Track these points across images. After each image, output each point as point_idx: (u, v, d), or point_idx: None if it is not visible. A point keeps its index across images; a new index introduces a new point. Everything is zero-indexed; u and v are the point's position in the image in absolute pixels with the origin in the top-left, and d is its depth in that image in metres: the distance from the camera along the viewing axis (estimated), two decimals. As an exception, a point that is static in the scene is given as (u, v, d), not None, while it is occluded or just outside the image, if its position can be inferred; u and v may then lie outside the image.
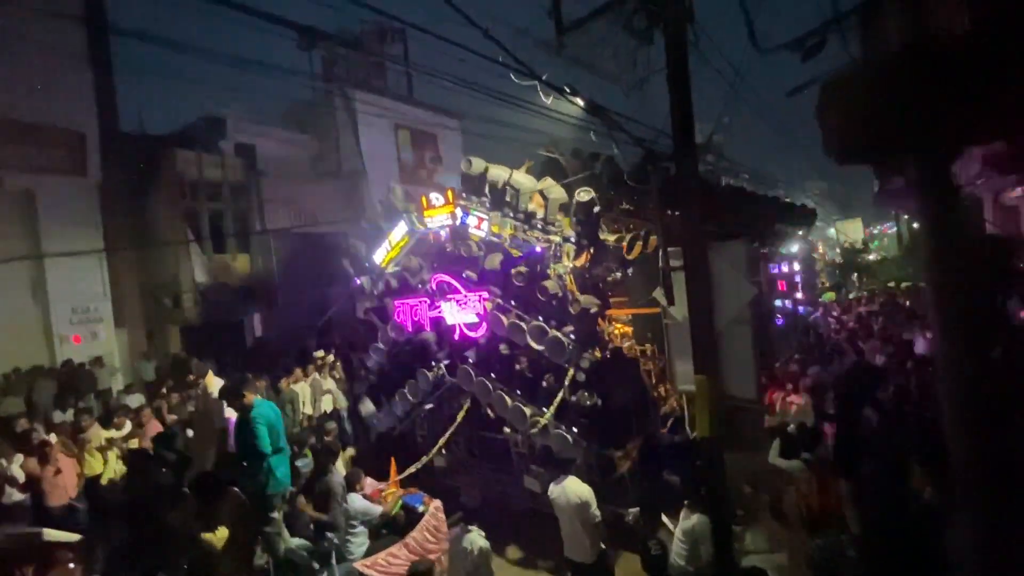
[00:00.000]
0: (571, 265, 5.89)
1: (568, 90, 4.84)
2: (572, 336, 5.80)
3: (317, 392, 8.66)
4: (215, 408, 5.14)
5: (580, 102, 5.04)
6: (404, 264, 7.43)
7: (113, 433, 6.26)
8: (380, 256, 7.74)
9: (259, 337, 15.83)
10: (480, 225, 6.52)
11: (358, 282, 8.08)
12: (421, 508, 5.79)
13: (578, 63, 5.04)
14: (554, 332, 5.88)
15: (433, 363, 7.17)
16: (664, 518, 5.40)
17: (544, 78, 4.71)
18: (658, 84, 4.74)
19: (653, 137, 5.52)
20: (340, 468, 5.60)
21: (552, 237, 5.86)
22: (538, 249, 6.03)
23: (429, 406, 7.37)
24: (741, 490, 6.05)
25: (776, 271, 9.50)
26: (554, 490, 5.00)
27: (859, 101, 2.46)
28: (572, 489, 4.89)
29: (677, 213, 5.06)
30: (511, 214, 6.23)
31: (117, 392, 9.08)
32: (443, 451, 7.15)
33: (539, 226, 6.01)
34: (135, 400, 7.99)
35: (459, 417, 6.79)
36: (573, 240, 5.74)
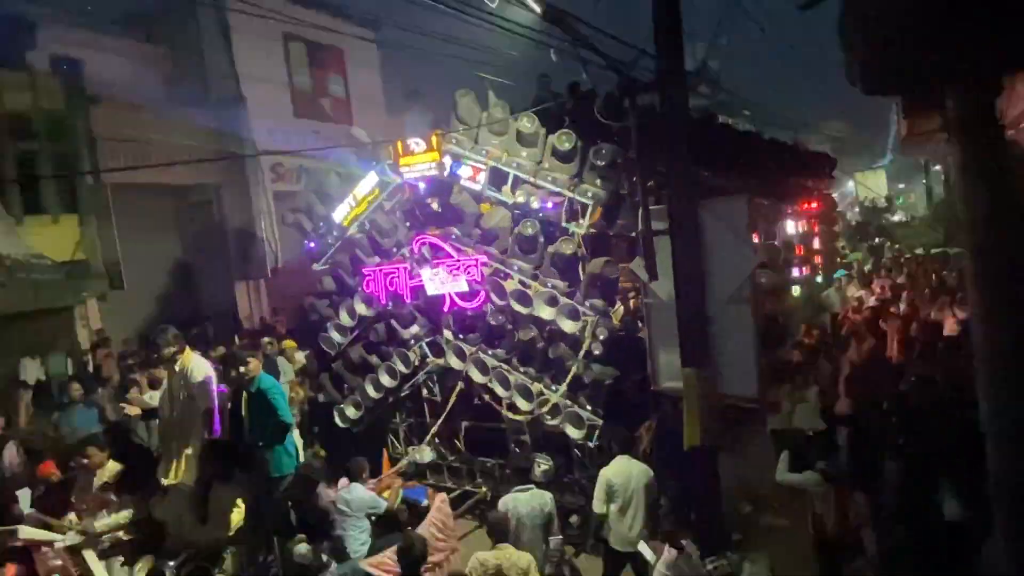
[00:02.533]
0: (587, 224, 7.47)
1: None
2: (588, 304, 7.43)
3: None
4: (200, 390, 6.32)
5: (536, 7, 5.65)
6: (374, 223, 8.73)
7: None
8: (342, 213, 9.02)
9: (99, 330, 16.33)
10: (476, 176, 7.98)
11: (311, 246, 9.30)
12: (425, 503, 7.27)
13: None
14: (566, 299, 7.48)
15: (412, 340, 8.60)
16: (642, 546, 6.07)
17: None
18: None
19: (631, 59, 6.15)
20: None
21: (568, 192, 7.39)
22: (550, 205, 7.58)
23: (406, 391, 8.82)
24: (739, 509, 7.09)
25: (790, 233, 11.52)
26: (509, 501, 6.16)
27: (893, 13, 2.54)
28: (537, 500, 6.21)
29: (660, 161, 5.88)
30: (516, 163, 7.70)
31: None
32: (428, 444, 8.66)
33: (550, 178, 7.53)
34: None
35: (451, 400, 8.30)
36: (591, 195, 7.31)
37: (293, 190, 19.43)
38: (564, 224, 7.55)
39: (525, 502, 6.30)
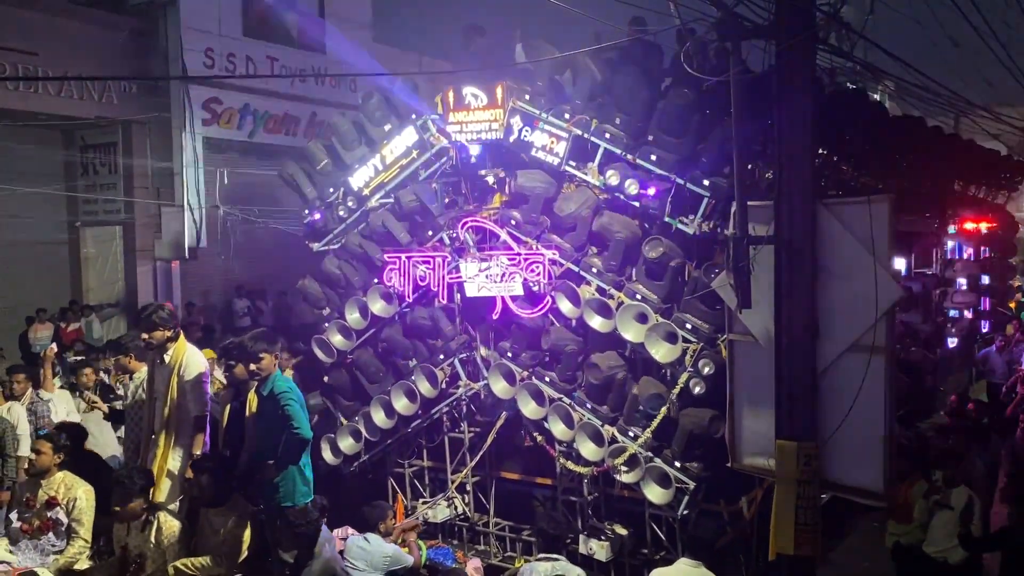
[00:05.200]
0: (698, 220, 8.30)
1: None
2: (689, 327, 8.25)
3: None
4: (194, 390, 7.07)
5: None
6: (406, 195, 9.53)
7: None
8: (363, 179, 9.81)
9: None
10: (553, 147, 8.82)
11: (317, 217, 10.08)
12: (454, 566, 8.05)
13: None
14: (658, 318, 8.29)
15: (442, 355, 9.39)
16: None
17: None
18: None
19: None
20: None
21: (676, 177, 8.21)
22: (651, 192, 8.41)
23: (420, 423, 9.60)
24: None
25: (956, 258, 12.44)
26: (526, 572, 6.97)
27: None
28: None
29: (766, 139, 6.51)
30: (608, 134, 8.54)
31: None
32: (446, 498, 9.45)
33: (653, 156, 8.36)
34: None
35: (489, 439, 9.09)
36: (709, 183, 8.14)
37: (234, 138, 20.24)
38: (667, 219, 8.37)
39: (543, 574, 7.06)
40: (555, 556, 7.41)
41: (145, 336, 7.25)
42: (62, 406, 10.21)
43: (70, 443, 7.41)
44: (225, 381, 8.72)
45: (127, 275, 20.18)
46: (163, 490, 7.13)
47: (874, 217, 6.03)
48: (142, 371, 8.01)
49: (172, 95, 19.63)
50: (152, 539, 6.88)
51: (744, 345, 6.86)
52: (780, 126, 6.29)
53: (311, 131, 21.78)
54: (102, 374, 11.72)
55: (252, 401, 7.28)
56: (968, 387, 11.90)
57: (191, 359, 7.27)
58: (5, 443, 9.35)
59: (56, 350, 12.21)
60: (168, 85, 19.59)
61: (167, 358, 7.28)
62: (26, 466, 8.77)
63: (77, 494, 7.10)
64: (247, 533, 6.98)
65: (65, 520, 7.04)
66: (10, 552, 6.85)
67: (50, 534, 7.02)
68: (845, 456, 6.23)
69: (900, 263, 10.79)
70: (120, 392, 10.46)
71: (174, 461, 7.18)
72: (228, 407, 7.66)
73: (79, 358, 14.21)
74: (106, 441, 10.05)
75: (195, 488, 7.06)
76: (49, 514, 7.03)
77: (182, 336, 7.37)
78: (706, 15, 6.57)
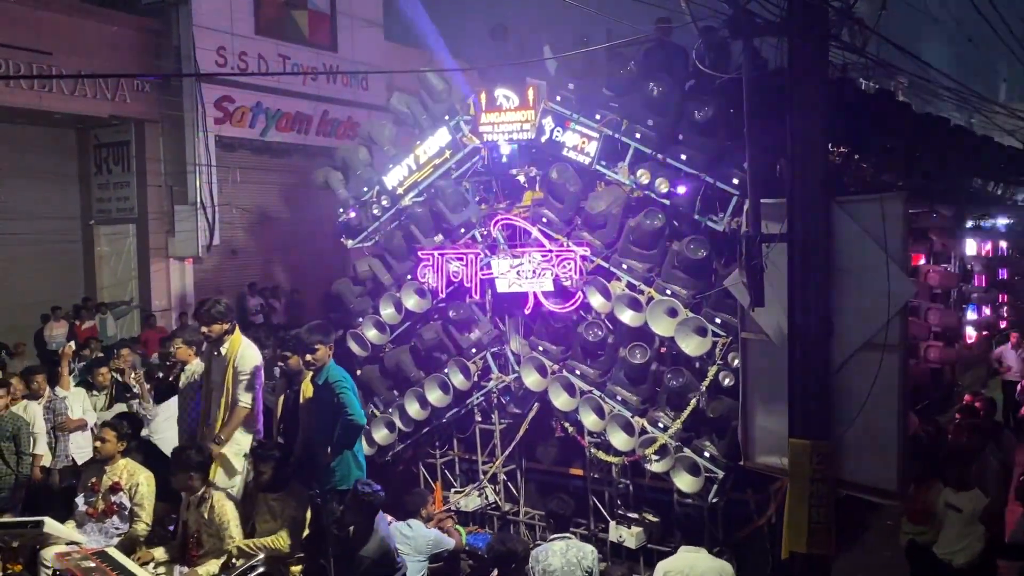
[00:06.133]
0: (727, 218, 8.77)
1: None
2: (719, 320, 8.72)
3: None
4: (244, 382, 7.66)
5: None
6: (439, 193, 10.01)
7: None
8: (396, 177, 10.30)
9: None
10: (584, 147, 9.30)
11: (352, 216, 10.57)
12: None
13: None
14: (688, 313, 8.75)
15: (474, 349, 9.87)
16: None
17: None
18: None
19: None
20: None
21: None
22: (681, 191, 8.88)
23: (450, 414, 10.09)
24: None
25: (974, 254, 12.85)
26: (540, 552, 7.31)
27: None
28: (573, 552, 7.31)
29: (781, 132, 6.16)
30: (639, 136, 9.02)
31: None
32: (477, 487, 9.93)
33: (683, 156, 8.83)
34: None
35: (521, 430, 9.56)
36: (739, 181, 8.60)
37: (246, 136, 20.65)
38: (697, 216, 8.85)
39: (559, 553, 7.46)
40: (567, 535, 7.79)
41: (204, 329, 7.78)
42: (77, 404, 10.58)
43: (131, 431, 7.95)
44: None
45: (140, 273, 20.56)
46: (219, 473, 7.68)
47: (888, 215, 6.15)
48: (194, 362, 8.55)
49: (185, 94, 20.04)
50: (206, 516, 7.35)
51: (757, 343, 7.08)
52: (793, 123, 6.43)
53: (322, 129, 22.32)
54: (115, 373, 11.93)
55: (306, 389, 7.79)
56: (986, 382, 12.28)
57: (246, 352, 7.84)
58: (20, 440, 9.64)
59: (74, 348, 12.66)
60: (181, 84, 19.99)
61: (223, 350, 7.82)
62: (41, 464, 9.60)
63: (139, 480, 7.62)
64: (306, 516, 7.49)
65: (128, 504, 7.57)
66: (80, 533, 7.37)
67: (114, 517, 7.55)
68: (858, 454, 6.36)
69: (916, 260, 11.22)
70: (136, 391, 10.88)
71: (229, 447, 7.72)
72: (282, 397, 8.16)
73: (100, 355, 14.57)
74: None
75: (257, 474, 7.57)
76: (113, 498, 7.55)
77: (237, 329, 7.89)
78: (719, 12, 6.80)
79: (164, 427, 10.09)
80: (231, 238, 21.49)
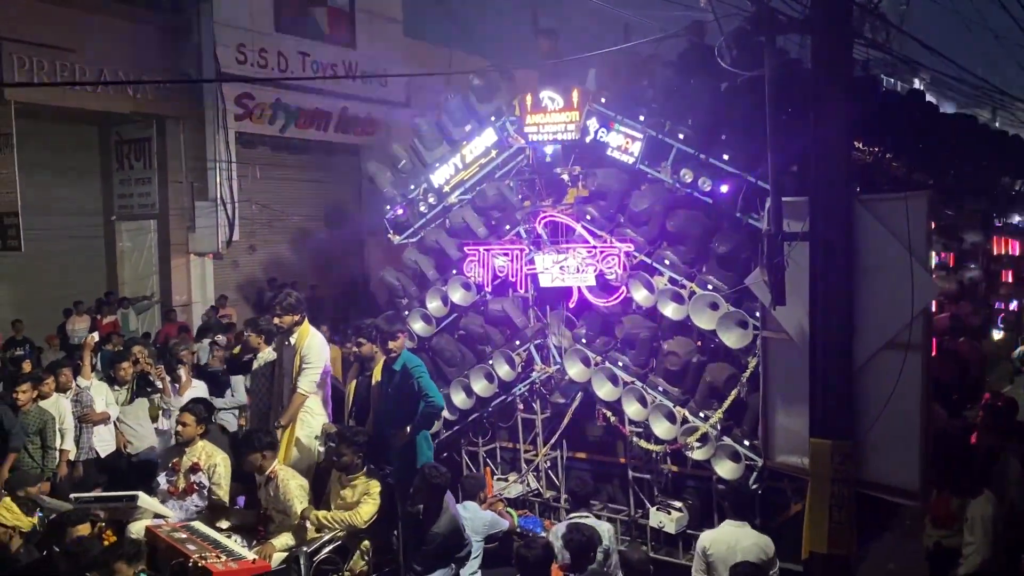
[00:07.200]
0: (767, 217, 9.33)
1: None
2: (759, 315, 9.28)
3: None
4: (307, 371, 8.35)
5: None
6: (484, 192, 10.59)
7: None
8: (443, 176, 10.89)
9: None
10: (628, 147, 9.87)
11: (400, 213, 11.15)
12: (544, 535, 9.07)
13: None
14: (729, 307, 9.31)
15: (518, 341, 10.45)
16: None
17: None
18: None
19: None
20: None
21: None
22: (724, 189, 9.45)
23: (495, 403, 10.67)
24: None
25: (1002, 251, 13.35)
26: (560, 529, 7.76)
27: None
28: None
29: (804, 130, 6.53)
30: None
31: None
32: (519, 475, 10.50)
33: (725, 155, 9.40)
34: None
35: (565, 420, 10.13)
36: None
37: (266, 133, 21.18)
38: (738, 215, 9.41)
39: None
40: (585, 514, 8.31)
41: (277, 321, 8.46)
42: (100, 397, 11.01)
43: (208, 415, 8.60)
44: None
45: (161, 268, 21.16)
46: (289, 454, 8.44)
47: (911, 213, 6.23)
48: (266, 350, 9.19)
49: (205, 91, 20.61)
50: (273, 494, 8.03)
51: (778, 342, 7.30)
52: (815, 120, 6.61)
53: (341, 126, 22.85)
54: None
55: (377, 374, 8.45)
56: (1012, 379, 12.66)
57: (312, 342, 8.59)
58: (46, 435, 10.07)
59: (96, 339, 13.15)
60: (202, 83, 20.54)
61: (293, 339, 8.53)
62: (68, 459, 10.16)
63: (216, 460, 8.26)
64: (379, 494, 8.12)
65: (207, 483, 8.19)
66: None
67: (194, 495, 8.18)
68: (880, 455, 6.47)
69: (941, 258, 11.79)
70: (159, 385, 11.36)
71: (301, 429, 8.45)
72: (354, 382, 8.81)
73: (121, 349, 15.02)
74: (145, 433, 11.20)
75: (337, 455, 8.20)
76: (193, 478, 8.18)
77: (306, 320, 8.54)
78: (741, 10, 7.10)
79: None
80: (250, 234, 22.06)
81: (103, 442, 10.91)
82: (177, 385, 11.16)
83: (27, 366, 12.33)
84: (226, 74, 20.22)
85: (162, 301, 20.84)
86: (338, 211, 23.47)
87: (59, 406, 10.41)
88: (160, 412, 11.25)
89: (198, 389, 11.36)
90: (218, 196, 20.75)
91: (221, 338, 15.22)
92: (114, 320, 19.17)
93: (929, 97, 14.59)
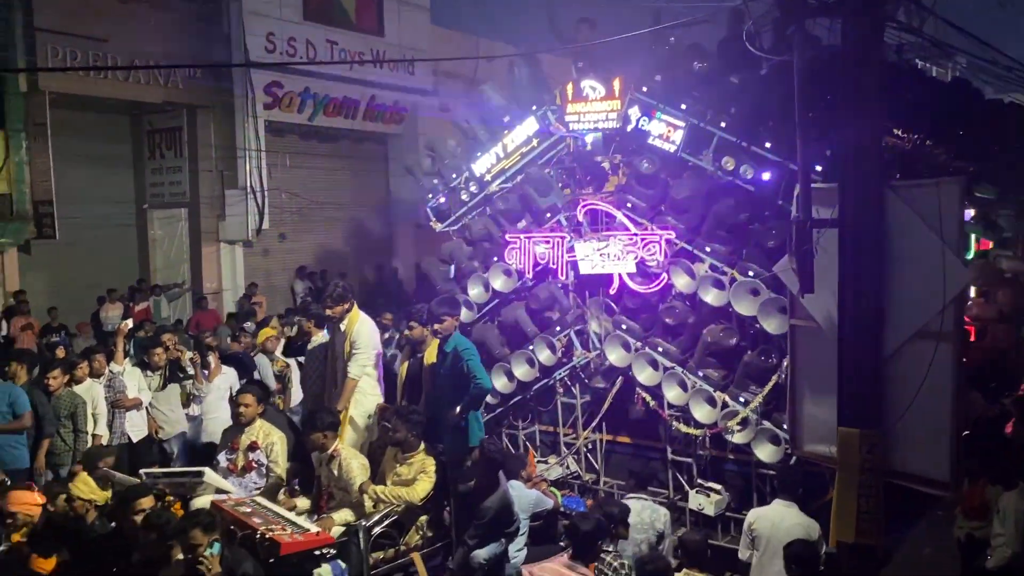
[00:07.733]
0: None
1: None
2: (799, 299, 9.57)
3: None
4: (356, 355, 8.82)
5: None
6: (527, 180, 10.87)
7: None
8: (485, 165, 11.18)
9: (16, 292, 18.17)
10: (670, 136, 10.13)
11: (442, 201, 11.45)
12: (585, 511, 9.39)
13: None
14: (770, 293, 9.55)
15: (558, 327, 10.73)
16: None
17: None
18: None
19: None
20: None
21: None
22: (766, 177, 9.69)
23: (537, 387, 10.98)
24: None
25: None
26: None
27: None
28: (648, 513, 8.33)
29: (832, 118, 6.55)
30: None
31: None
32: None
33: (768, 143, 9.63)
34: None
35: (606, 404, 10.42)
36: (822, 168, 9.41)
37: (295, 121, 21.49)
38: (780, 202, 9.64)
39: (636, 512, 8.29)
40: (643, 496, 8.69)
41: (328, 312, 8.95)
42: (132, 383, 11.30)
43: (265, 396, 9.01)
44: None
45: (192, 256, 21.62)
46: (344, 434, 8.77)
47: (944, 200, 6.21)
48: (319, 335, 9.64)
49: (235, 79, 20.98)
50: (335, 472, 8.38)
51: (806, 331, 7.31)
52: (844, 105, 6.65)
53: (369, 114, 23.15)
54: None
55: (429, 357, 8.88)
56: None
57: (362, 328, 9.08)
58: (77, 419, 10.43)
59: (130, 325, 13.52)
60: (231, 70, 20.86)
61: (343, 326, 9.07)
62: (101, 444, 10.42)
63: (274, 439, 8.61)
64: (434, 471, 8.44)
65: (265, 461, 8.54)
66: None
67: (252, 473, 8.52)
68: (910, 444, 6.46)
69: (987, 245, 12.04)
70: (190, 371, 11.64)
71: (355, 408, 8.92)
72: (406, 364, 9.16)
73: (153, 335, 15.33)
74: (177, 419, 11.54)
75: (393, 432, 8.52)
76: (252, 456, 8.52)
77: (355, 307, 8.97)
78: None
79: (216, 406, 11.25)
80: (280, 222, 22.42)
81: (135, 427, 11.24)
82: (207, 371, 11.44)
83: (60, 352, 12.83)
84: (258, 61, 20.51)
85: (193, 288, 21.26)
86: (366, 199, 23.82)
87: (92, 391, 10.78)
88: (189, 398, 11.57)
89: (228, 375, 11.68)
90: (248, 184, 21.08)
91: (250, 325, 15.74)
92: (146, 307, 19.52)
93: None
